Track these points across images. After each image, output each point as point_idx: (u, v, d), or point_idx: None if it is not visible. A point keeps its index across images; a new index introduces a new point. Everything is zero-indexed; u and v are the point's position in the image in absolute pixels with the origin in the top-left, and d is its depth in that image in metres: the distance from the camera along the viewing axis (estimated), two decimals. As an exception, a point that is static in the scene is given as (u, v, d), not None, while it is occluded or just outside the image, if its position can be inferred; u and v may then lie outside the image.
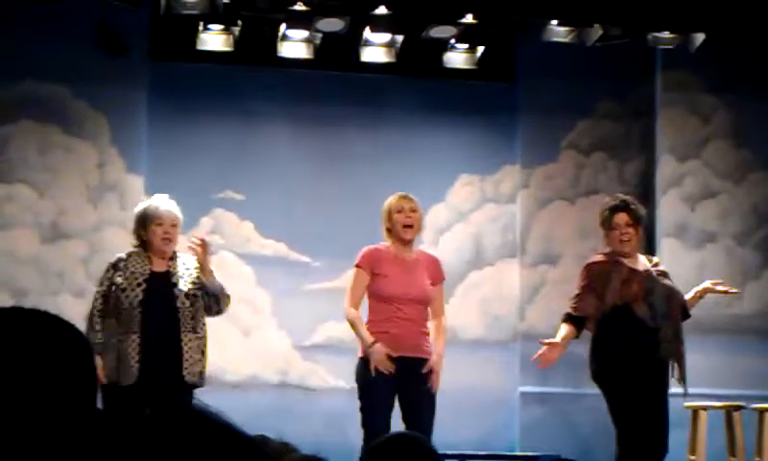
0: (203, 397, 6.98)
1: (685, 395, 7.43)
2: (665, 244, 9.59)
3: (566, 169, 9.99)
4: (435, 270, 7.23)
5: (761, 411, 8.46)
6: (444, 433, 9.01)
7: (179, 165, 9.44)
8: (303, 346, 9.53)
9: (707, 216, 9.78)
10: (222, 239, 9.55)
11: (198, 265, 6.88)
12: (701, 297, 7.42)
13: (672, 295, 7.17)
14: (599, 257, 7.25)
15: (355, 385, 7.10)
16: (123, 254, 6.94)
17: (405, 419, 6.93)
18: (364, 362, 7.00)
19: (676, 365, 7.19)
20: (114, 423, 1.69)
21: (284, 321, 9.54)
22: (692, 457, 8.38)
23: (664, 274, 7.32)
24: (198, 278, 6.89)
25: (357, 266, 7.12)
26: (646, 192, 9.91)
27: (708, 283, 7.48)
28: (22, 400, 1.72)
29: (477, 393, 9.67)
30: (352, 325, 7.09)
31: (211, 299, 6.92)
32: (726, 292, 7.51)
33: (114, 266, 6.85)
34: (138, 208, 7.07)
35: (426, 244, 9.80)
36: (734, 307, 9.63)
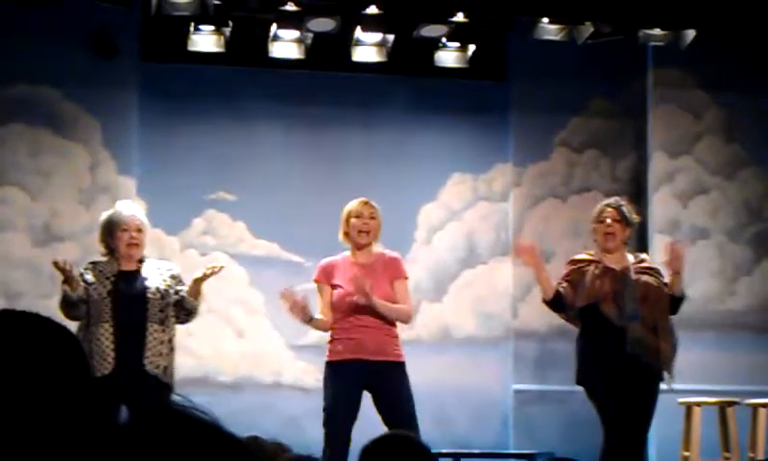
0: (195, 397, 6.98)
1: (672, 391, 7.46)
2: (657, 240, 9.59)
3: (559, 167, 10.00)
4: (393, 269, 7.22)
5: (755, 406, 8.47)
6: (438, 432, 9.04)
7: (170, 166, 9.44)
8: (297, 345, 9.53)
9: (699, 212, 9.79)
10: (214, 240, 9.55)
11: (194, 283, 6.91)
12: (673, 279, 7.38)
13: (649, 293, 7.20)
14: (581, 255, 7.38)
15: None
16: (94, 260, 7.05)
17: (386, 422, 6.94)
18: (328, 365, 7.12)
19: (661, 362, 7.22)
20: (99, 425, 1.68)
21: (277, 321, 9.52)
22: (686, 453, 8.40)
23: (650, 271, 7.34)
24: (170, 279, 6.93)
25: (316, 281, 7.22)
26: (638, 189, 9.92)
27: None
28: (14, 403, 1.72)
29: (471, 391, 9.68)
30: (315, 328, 7.31)
31: (183, 311, 6.97)
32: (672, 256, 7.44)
33: (85, 269, 6.93)
34: (103, 217, 7.13)
35: (419, 243, 9.83)
36: (727, 303, 9.65)
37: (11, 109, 9.04)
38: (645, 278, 7.27)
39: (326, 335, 7.26)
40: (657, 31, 9.19)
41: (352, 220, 7.19)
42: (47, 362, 1.77)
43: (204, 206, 9.56)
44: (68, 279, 6.81)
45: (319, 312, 7.17)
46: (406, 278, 7.29)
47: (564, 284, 7.27)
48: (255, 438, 2.89)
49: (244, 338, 9.54)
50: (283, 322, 9.55)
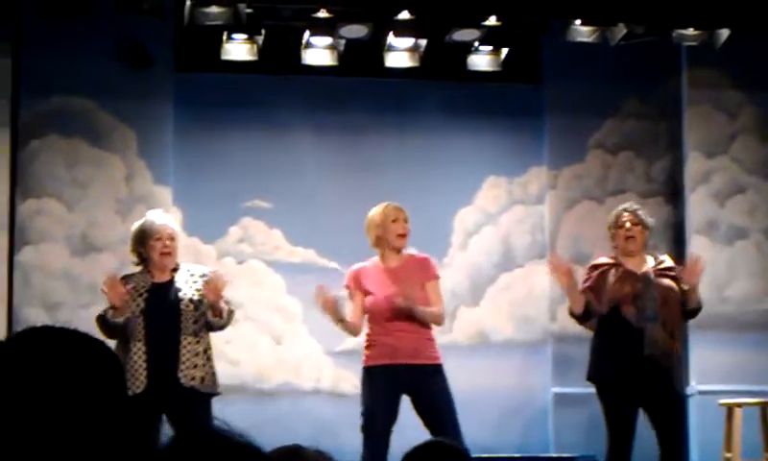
0: (234, 405, 7.01)
1: (684, 396, 7.47)
2: (695, 241, 9.55)
3: (594, 169, 9.97)
4: (423, 270, 7.22)
5: (796, 406, 8.42)
6: (477, 436, 9.01)
7: (205, 175, 9.47)
8: (334, 352, 9.54)
9: (736, 212, 9.74)
10: (251, 248, 9.58)
11: (208, 297, 6.87)
12: (689, 292, 7.36)
13: (669, 296, 7.21)
14: (601, 259, 7.39)
15: None
16: (127, 273, 7.01)
17: (427, 426, 6.94)
18: (365, 370, 7.12)
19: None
20: (136, 444, 1.69)
21: (315, 327, 9.53)
22: (728, 454, 8.35)
23: (670, 274, 7.33)
24: (203, 286, 6.90)
25: (346, 287, 7.24)
26: (674, 190, 9.88)
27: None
28: (54, 421, 1.72)
29: (510, 395, 9.66)
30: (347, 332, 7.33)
31: (212, 328, 6.95)
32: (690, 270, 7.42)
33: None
34: (134, 226, 7.11)
35: (455, 247, 9.82)
36: (766, 303, 9.59)
37: (47, 121, 9.10)
38: (666, 280, 7.29)
39: (363, 342, 7.26)
40: (690, 31, 9.15)
41: (391, 224, 7.19)
42: (86, 380, 1.77)
43: (239, 214, 9.59)
44: (119, 307, 6.78)
45: (349, 317, 7.17)
46: (437, 277, 7.28)
47: (590, 295, 7.27)
48: (298, 447, 2.89)
49: (281, 345, 9.56)
50: (321, 328, 9.56)
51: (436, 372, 7.07)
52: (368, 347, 7.13)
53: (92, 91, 9.15)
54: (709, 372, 9.16)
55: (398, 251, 7.22)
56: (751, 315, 9.49)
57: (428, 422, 6.95)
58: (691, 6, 8.97)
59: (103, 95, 9.17)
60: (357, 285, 7.19)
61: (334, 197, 9.66)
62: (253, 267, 9.49)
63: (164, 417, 6.68)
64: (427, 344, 7.10)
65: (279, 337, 9.55)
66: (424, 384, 7.02)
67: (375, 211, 7.29)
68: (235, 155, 9.59)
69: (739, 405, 8.40)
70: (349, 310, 7.19)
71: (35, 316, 8.77)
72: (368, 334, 7.15)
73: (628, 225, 7.34)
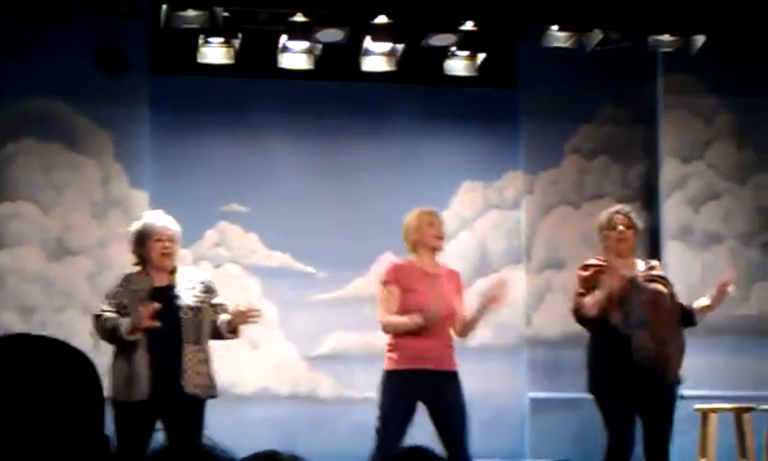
0: (210, 410, 6.99)
1: (687, 397, 7.47)
2: (670, 247, 9.58)
3: (570, 174, 9.99)
4: (455, 282, 7.30)
5: (771, 412, 8.45)
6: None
7: (182, 179, 9.45)
8: (311, 357, 9.53)
9: (711, 218, 9.78)
10: (227, 252, 9.56)
11: (230, 322, 6.93)
12: (713, 307, 7.41)
13: (659, 301, 7.21)
14: (592, 261, 7.38)
15: (372, 395, 7.18)
16: (125, 274, 6.96)
17: (438, 431, 6.95)
18: (388, 374, 7.05)
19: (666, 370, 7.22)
20: (125, 454, 1.70)
21: (291, 332, 9.54)
22: (703, 460, 8.38)
23: (660, 279, 7.35)
24: (202, 294, 6.90)
25: (386, 282, 7.13)
26: (650, 195, 9.91)
27: (717, 289, 7.48)
28: (31, 428, 1.72)
29: (485, 400, 9.65)
30: (388, 325, 7.09)
31: (218, 337, 6.99)
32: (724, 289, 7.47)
33: (119, 285, 6.87)
34: (135, 226, 7.03)
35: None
36: (742, 309, 9.62)
37: (23, 124, 9.06)
38: (655, 285, 7.29)
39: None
40: (666, 37, 9.18)
41: (427, 229, 7.20)
42: (62, 386, 1.77)
43: (216, 218, 9.57)
44: (141, 329, 6.72)
45: (386, 312, 7.08)
46: (463, 291, 7.36)
47: (588, 295, 7.23)
48: (274, 452, 2.88)
49: (258, 350, 9.54)
50: (297, 333, 9.57)
51: (456, 379, 7.09)
52: (392, 350, 7.07)
53: (69, 95, 9.12)
54: (685, 376, 9.19)
55: (436, 252, 7.23)
56: (726, 320, 9.51)
57: (442, 429, 6.95)
58: (667, 12, 9.00)
59: (79, 99, 9.14)
60: (397, 280, 7.09)
61: (311, 201, 9.65)
62: (230, 271, 9.46)
63: (160, 422, 6.67)
64: (451, 351, 7.13)
65: (255, 342, 9.52)
66: (444, 391, 7.03)
67: (410, 217, 7.28)
68: (212, 158, 9.58)
69: (714, 410, 8.43)
70: (386, 306, 7.08)
71: (9, 320, 8.73)
72: (396, 335, 7.07)
73: (621, 227, 7.32)
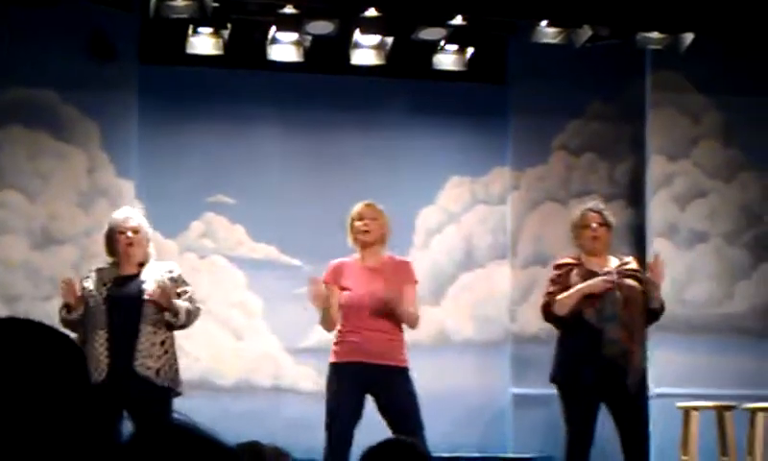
0: (192, 400, 7.00)
1: (669, 396, 7.51)
2: (656, 244, 9.59)
3: (557, 170, 10.00)
4: (403, 273, 7.30)
5: (753, 411, 8.47)
6: (436, 436, 9.02)
7: (169, 169, 9.44)
8: (295, 349, 9.53)
9: (697, 216, 9.79)
10: (213, 243, 9.56)
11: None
12: (653, 290, 7.43)
13: (631, 297, 7.25)
14: (564, 259, 7.43)
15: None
16: (96, 267, 7.19)
17: (391, 427, 6.95)
18: (332, 366, 7.15)
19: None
20: (103, 439, 1.69)
21: (276, 324, 9.54)
22: (684, 457, 8.40)
23: (634, 274, 7.39)
24: (169, 282, 7.00)
25: (325, 282, 7.23)
26: (636, 192, 9.92)
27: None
28: (16, 412, 1.72)
29: (469, 395, 9.67)
30: (320, 323, 7.30)
31: (172, 325, 7.01)
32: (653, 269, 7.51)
33: (87, 277, 7.07)
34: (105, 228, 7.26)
35: (417, 246, 9.82)
36: (725, 307, 9.64)
37: (9, 111, 9.03)
38: (629, 281, 7.33)
39: (326, 338, 7.27)
40: (655, 34, 9.19)
41: (355, 223, 7.30)
42: (48, 370, 1.77)
43: (202, 209, 9.56)
44: (69, 304, 6.90)
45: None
46: (416, 281, 7.38)
47: (560, 293, 7.30)
48: (255, 443, 2.89)
49: (242, 341, 9.54)
50: (281, 325, 9.57)
51: (402, 374, 7.11)
52: (336, 343, 7.15)
53: (55, 83, 9.09)
54: (667, 374, 9.20)
55: (364, 246, 7.25)
56: (709, 318, 9.54)
57: (392, 423, 6.97)
58: (656, 10, 9.00)
59: (66, 87, 9.11)
60: (335, 280, 7.21)
61: (297, 193, 9.65)
62: (215, 262, 9.46)
63: (124, 411, 6.71)
64: (397, 345, 7.15)
65: (239, 333, 9.53)
66: (390, 386, 7.05)
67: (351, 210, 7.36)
68: (199, 149, 9.56)
69: (696, 409, 8.44)
70: (333, 302, 7.20)
71: (-7, 308, 8.73)
72: (339, 331, 7.17)
73: (594, 225, 7.38)
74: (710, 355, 9.46)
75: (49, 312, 8.16)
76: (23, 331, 1.81)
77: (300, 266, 9.59)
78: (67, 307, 6.94)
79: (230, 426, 1.68)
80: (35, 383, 1.75)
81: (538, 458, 9.11)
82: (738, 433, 8.41)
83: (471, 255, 9.94)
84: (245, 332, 9.54)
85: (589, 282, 7.20)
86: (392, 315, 7.12)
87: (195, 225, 9.52)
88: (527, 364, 9.66)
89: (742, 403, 8.56)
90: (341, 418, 6.98)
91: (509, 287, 9.80)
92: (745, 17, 9.06)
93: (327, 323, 7.24)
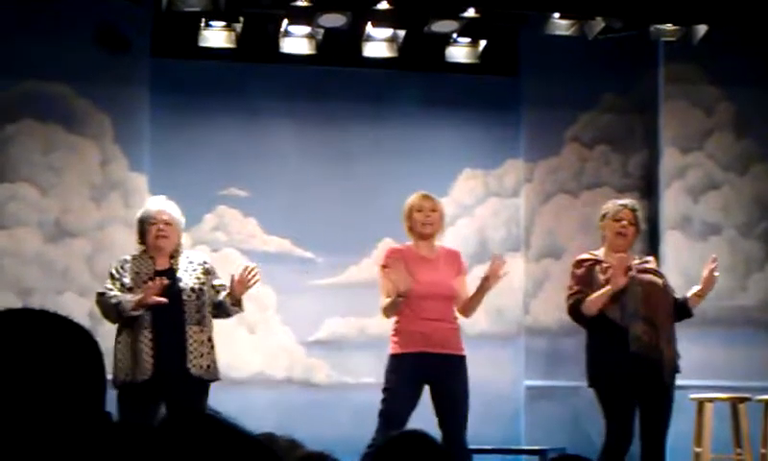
0: (210, 393, 7.02)
1: (684, 387, 7.51)
2: (669, 237, 9.58)
3: (570, 162, 9.98)
4: (456, 264, 7.39)
5: (767, 402, 8.46)
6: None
7: (181, 162, 9.44)
8: (308, 342, 9.54)
9: (710, 208, 9.77)
10: (226, 236, 9.55)
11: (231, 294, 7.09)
12: (703, 292, 7.47)
13: (652, 293, 7.25)
14: (585, 255, 7.44)
15: (377, 381, 7.29)
16: (128, 256, 7.12)
17: (438, 415, 7.07)
18: (393, 358, 7.16)
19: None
20: (128, 426, 1.69)
21: (288, 317, 9.54)
22: (698, 449, 8.39)
23: (654, 272, 7.40)
24: (203, 275, 7.02)
25: (383, 266, 7.20)
26: (649, 185, 9.90)
27: (704, 274, 7.55)
28: (31, 402, 1.72)
29: (482, 387, 9.63)
30: (381, 308, 7.22)
31: (223, 313, 7.08)
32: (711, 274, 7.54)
33: (122, 266, 7.02)
34: (137, 214, 7.33)
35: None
36: (739, 299, 9.63)
37: (22, 105, 9.04)
38: (649, 276, 7.32)
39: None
40: (668, 26, 9.18)
41: (415, 214, 7.34)
42: (63, 360, 1.77)
43: (215, 202, 9.56)
44: (146, 305, 6.85)
45: (385, 296, 7.19)
46: (466, 272, 7.48)
47: (585, 292, 7.28)
48: (270, 434, 2.89)
49: (255, 334, 9.54)
50: (294, 318, 9.57)
51: (462, 362, 7.19)
52: (396, 334, 7.16)
53: (68, 76, 9.09)
54: (681, 366, 9.19)
55: (425, 238, 7.31)
56: (723, 311, 9.52)
57: (443, 411, 7.04)
58: (669, 1, 8.99)
59: (79, 80, 9.12)
60: (396, 265, 7.14)
61: (310, 186, 9.64)
62: (228, 255, 9.45)
63: (163, 404, 6.75)
64: (456, 334, 7.24)
65: (253, 326, 9.53)
66: (450, 374, 7.13)
67: (407, 202, 7.38)
68: (211, 142, 9.56)
69: (710, 400, 8.43)
70: (384, 290, 7.19)
71: (6, 302, 8.72)
72: (397, 322, 7.19)
73: (624, 222, 7.40)
74: (724, 347, 9.45)
75: (61, 305, 8.18)
76: (39, 322, 1.81)
77: (312, 258, 9.59)
78: (139, 303, 6.86)
79: (245, 419, 1.68)
80: (51, 373, 1.74)
81: (550, 450, 9.09)
82: (753, 425, 8.39)
83: (485, 248, 9.91)
84: (258, 325, 9.54)
85: (612, 281, 7.19)
86: (450, 303, 7.18)
87: (208, 218, 9.52)
88: (540, 357, 9.66)
89: (756, 395, 8.55)
90: (398, 407, 7.02)
91: (522, 279, 9.79)
92: (758, 9, 9.03)
93: (395, 308, 7.14)
